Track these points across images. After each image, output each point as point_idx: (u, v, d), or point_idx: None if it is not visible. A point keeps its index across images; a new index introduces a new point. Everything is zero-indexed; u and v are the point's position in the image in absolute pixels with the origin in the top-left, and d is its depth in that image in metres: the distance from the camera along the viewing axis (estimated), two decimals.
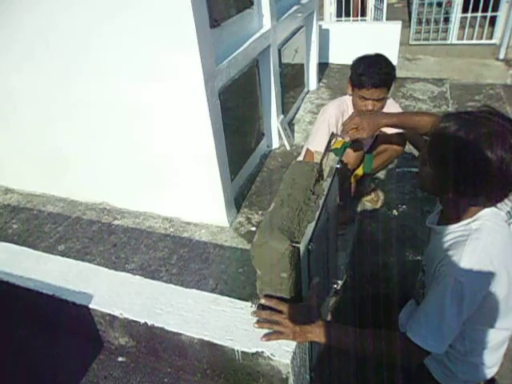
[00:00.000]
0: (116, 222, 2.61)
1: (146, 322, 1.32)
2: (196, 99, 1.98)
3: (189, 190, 2.40)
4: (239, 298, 1.41)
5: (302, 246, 1.18)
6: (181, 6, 1.73)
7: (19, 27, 2.19)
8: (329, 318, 1.83)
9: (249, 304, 1.35)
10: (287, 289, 1.27)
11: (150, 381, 1.39)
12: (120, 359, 1.47)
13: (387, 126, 1.52)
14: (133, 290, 1.45)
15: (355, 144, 1.96)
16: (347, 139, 1.52)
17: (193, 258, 2.29)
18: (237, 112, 2.69)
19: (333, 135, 1.55)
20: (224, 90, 2.30)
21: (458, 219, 1.12)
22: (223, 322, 1.29)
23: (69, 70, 2.22)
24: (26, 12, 2.13)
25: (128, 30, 1.92)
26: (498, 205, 1.08)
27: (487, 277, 1.01)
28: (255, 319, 1.25)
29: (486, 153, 0.94)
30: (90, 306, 1.40)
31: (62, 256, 2.32)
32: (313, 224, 1.26)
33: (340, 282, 2.02)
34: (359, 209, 2.68)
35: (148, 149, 2.32)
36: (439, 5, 6.09)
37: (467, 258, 1.02)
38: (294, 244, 1.20)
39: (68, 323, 1.51)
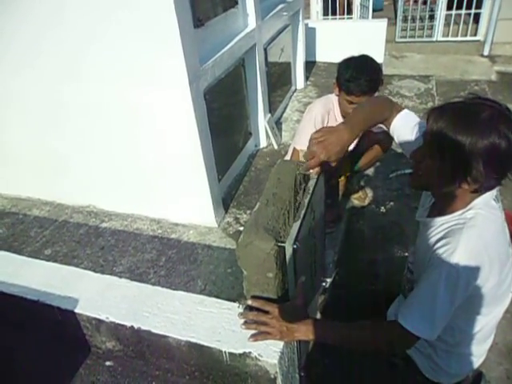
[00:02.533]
0: (103, 225, 2.59)
1: (132, 326, 1.31)
2: (181, 100, 1.97)
3: (176, 190, 2.39)
4: (228, 299, 1.41)
5: (287, 246, 1.18)
6: (164, 6, 1.72)
7: (15, 31, 2.16)
8: (318, 316, 1.84)
9: (236, 305, 1.35)
10: (274, 289, 1.27)
11: None
12: (108, 363, 1.45)
13: (353, 140, 1.32)
14: (119, 294, 1.44)
15: None
16: (313, 173, 1.37)
17: (181, 259, 2.28)
18: (223, 112, 2.68)
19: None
20: (210, 89, 2.29)
21: (452, 210, 1.13)
22: (210, 323, 1.29)
23: (51, 73, 2.19)
24: (22, 16, 2.09)
25: (112, 31, 1.90)
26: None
27: (482, 264, 1.02)
28: (242, 320, 1.25)
29: (494, 136, 0.95)
30: (76, 310, 1.38)
31: (49, 260, 2.31)
32: (298, 223, 1.26)
33: (328, 280, 2.03)
34: (347, 206, 2.69)
35: (134, 150, 2.30)
36: (424, 2, 6.14)
37: (463, 246, 1.02)
38: (279, 243, 1.20)
39: (54, 328, 1.49)
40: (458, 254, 1.02)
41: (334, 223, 2.34)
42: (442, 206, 1.17)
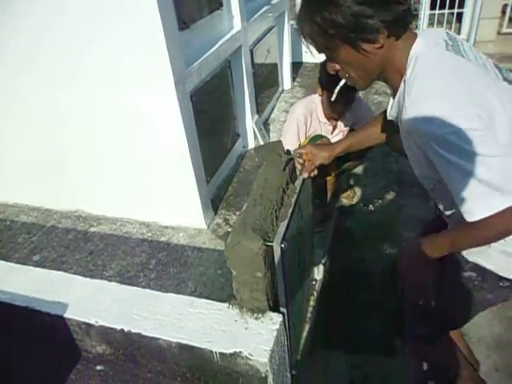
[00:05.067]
0: (92, 229, 2.57)
1: (122, 329, 1.31)
2: (167, 102, 1.97)
3: (165, 193, 2.39)
4: (219, 300, 1.41)
5: (275, 245, 1.19)
6: (148, 10, 1.72)
7: (14, 33, 2.14)
8: (308, 314, 1.85)
9: (226, 305, 1.36)
10: (263, 288, 1.28)
11: None
12: (98, 368, 1.45)
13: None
14: (108, 297, 1.43)
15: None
16: (305, 176, 1.46)
17: (171, 261, 2.28)
18: (211, 113, 2.69)
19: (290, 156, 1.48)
20: (196, 91, 2.30)
21: (399, 78, 1.02)
22: (200, 324, 1.29)
23: (42, 75, 2.18)
24: (22, 17, 2.08)
25: (103, 37, 1.90)
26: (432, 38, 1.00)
27: (454, 109, 0.89)
28: (233, 320, 1.26)
29: None
30: (65, 315, 1.38)
31: (37, 266, 2.29)
32: (285, 222, 1.27)
33: (318, 279, 2.04)
34: (336, 205, 2.71)
35: (122, 153, 2.30)
36: None
37: (416, 109, 0.92)
38: (267, 243, 1.21)
39: (43, 334, 1.48)
40: (425, 116, 0.91)
41: (322, 222, 2.36)
42: (391, 81, 1.07)
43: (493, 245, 1.05)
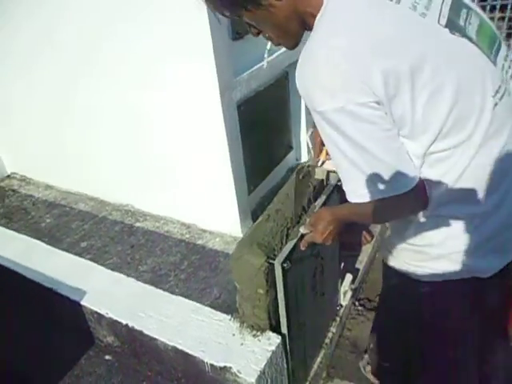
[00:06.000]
0: (137, 224, 2.70)
1: (127, 324, 1.36)
2: (212, 109, 2.01)
3: (206, 197, 2.44)
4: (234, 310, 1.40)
5: (276, 264, 1.16)
6: (198, 21, 1.78)
7: (23, 26, 2.36)
8: (327, 340, 1.77)
9: (228, 317, 1.35)
10: (264, 305, 1.25)
11: (130, 382, 1.42)
12: (107, 357, 1.51)
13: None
14: (123, 291, 1.50)
15: None
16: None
17: (202, 265, 2.31)
18: (262, 124, 2.70)
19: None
20: (246, 101, 2.32)
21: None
22: (199, 332, 1.30)
23: (84, 71, 2.38)
24: (31, 10, 2.29)
25: (140, 33, 2.00)
26: None
27: (341, 77, 0.72)
28: (231, 333, 1.25)
29: None
30: (82, 302, 1.46)
31: (83, 252, 2.45)
32: (293, 241, 1.23)
33: (344, 304, 1.95)
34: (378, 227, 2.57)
35: (168, 155, 2.39)
36: None
37: (299, 71, 0.78)
38: (270, 260, 1.19)
39: (64, 317, 1.58)
40: (305, 85, 0.76)
41: (360, 246, 2.25)
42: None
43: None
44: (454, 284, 0.90)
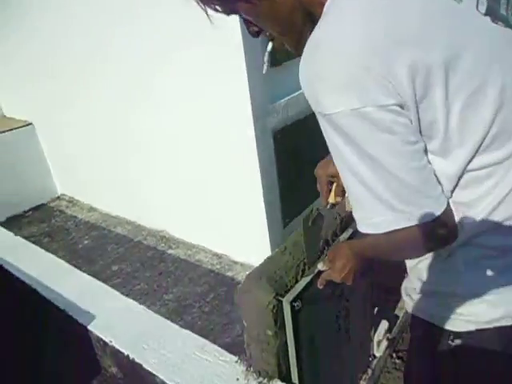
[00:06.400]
0: (169, 251, 2.66)
1: (128, 355, 1.27)
2: (244, 135, 1.96)
3: (238, 228, 2.35)
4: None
5: (284, 302, 1.03)
6: (233, 47, 1.77)
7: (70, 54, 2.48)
8: None
9: (235, 359, 1.21)
10: (274, 349, 1.11)
11: None
12: None
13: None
14: (132, 318, 1.42)
15: None
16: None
17: (229, 298, 2.20)
18: (301, 153, 2.60)
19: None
20: (283, 129, 2.25)
21: None
22: (201, 372, 1.17)
23: (127, 103, 2.43)
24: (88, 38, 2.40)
25: (178, 57, 2.02)
26: None
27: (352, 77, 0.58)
28: (235, 378, 1.12)
29: None
30: (89, 327, 1.40)
31: (113, 276, 2.44)
32: (308, 278, 1.09)
33: (378, 355, 1.73)
34: None
35: (202, 184, 2.36)
36: None
37: (302, 67, 0.63)
38: (279, 298, 1.05)
39: (73, 341, 1.52)
40: (309, 83, 0.62)
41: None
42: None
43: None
44: (493, 332, 0.71)
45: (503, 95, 0.61)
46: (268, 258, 1.19)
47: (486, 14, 0.63)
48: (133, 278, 2.44)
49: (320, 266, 1.05)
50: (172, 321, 1.40)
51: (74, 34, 2.58)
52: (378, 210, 0.65)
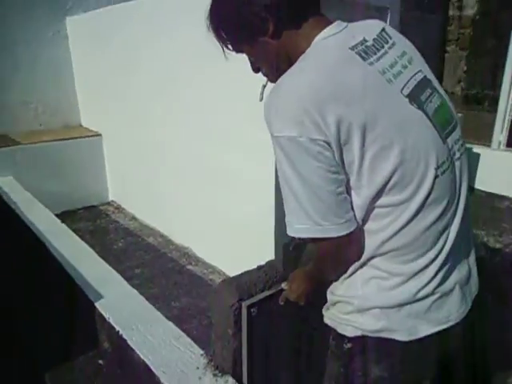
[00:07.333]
0: (188, 267, 2.91)
1: (119, 331, 1.50)
2: (267, 175, 2.21)
3: (248, 253, 2.55)
4: None
5: (243, 305, 1.22)
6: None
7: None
8: None
9: (201, 352, 1.41)
10: (232, 348, 1.29)
11: None
12: (100, 362, 1.66)
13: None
14: (131, 303, 1.66)
15: None
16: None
17: None
18: None
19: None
20: None
21: None
22: (170, 356, 1.37)
23: (174, 128, 2.80)
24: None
25: (211, 99, 2.44)
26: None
27: (299, 109, 0.78)
28: (195, 367, 1.31)
29: None
30: (96, 304, 1.66)
31: (132, 278, 2.73)
32: (269, 292, 1.27)
33: None
34: None
35: (222, 209, 2.63)
36: None
37: (268, 102, 0.82)
38: (240, 301, 1.25)
39: (81, 314, 1.79)
40: (268, 110, 0.81)
41: None
42: None
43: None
44: (375, 341, 0.87)
45: (404, 157, 0.81)
46: (245, 271, 1.40)
47: (406, 96, 0.85)
48: (150, 282, 2.71)
49: (283, 285, 1.25)
50: None
51: (143, 68, 3.07)
52: (301, 218, 0.82)
